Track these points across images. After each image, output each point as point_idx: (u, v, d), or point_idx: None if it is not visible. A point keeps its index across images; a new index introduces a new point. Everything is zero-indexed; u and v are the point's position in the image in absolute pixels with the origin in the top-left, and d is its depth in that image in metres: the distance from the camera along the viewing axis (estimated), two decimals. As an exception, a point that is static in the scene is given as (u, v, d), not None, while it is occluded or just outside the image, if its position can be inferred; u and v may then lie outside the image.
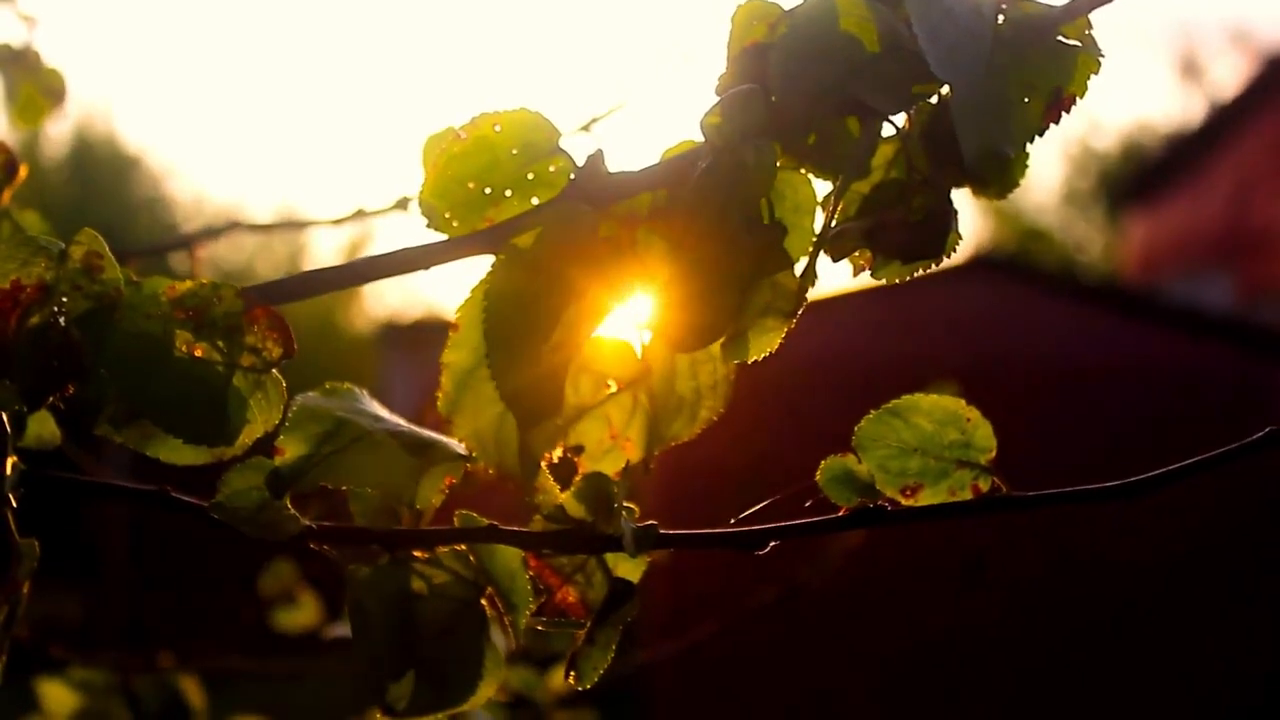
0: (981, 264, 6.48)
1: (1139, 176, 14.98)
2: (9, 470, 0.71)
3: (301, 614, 2.09)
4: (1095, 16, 0.71)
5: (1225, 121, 12.29)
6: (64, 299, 0.69)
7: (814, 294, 0.72)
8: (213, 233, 1.36)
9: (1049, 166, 20.63)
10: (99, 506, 7.78)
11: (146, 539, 8.08)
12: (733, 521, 0.74)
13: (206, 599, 7.91)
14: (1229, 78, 18.80)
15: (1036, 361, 5.80)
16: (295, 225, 1.49)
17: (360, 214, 1.32)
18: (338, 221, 1.35)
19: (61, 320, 0.69)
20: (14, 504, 0.71)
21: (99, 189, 16.90)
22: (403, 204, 1.29)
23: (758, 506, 0.74)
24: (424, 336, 9.65)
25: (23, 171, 0.96)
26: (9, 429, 0.70)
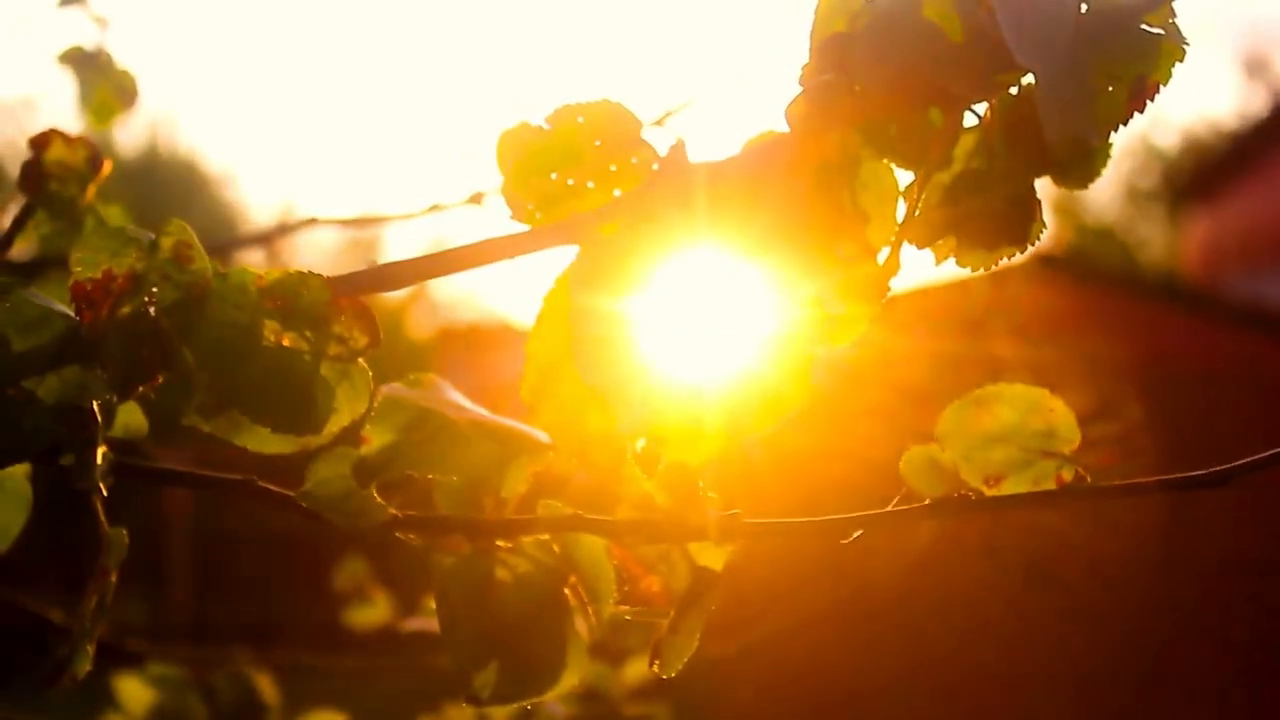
0: (1042, 262, 6.43)
1: (1201, 173, 14.81)
2: (100, 459, 0.71)
3: (375, 611, 2.11)
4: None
5: (1289, 118, 12.13)
6: (154, 289, 0.69)
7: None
8: (290, 228, 1.36)
9: (1111, 164, 20.39)
10: (161, 506, 7.84)
11: (210, 538, 8.14)
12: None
13: (269, 597, 7.97)
14: (1293, 74, 18.53)
15: (1098, 360, 5.75)
16: (371, 221, 1.50)
17: (436, 208, 1.32)
18: (412, 216, 1.35)
19: (151, 310, 0.69)
20: (104, 493, 0.72)
21: (170, 192, 17.01)
22: (477, 198, 1.29)
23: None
24: (481, 342, 9.67)
25: (106, 166, 0.97)
26: (100, 418, 0.71)
